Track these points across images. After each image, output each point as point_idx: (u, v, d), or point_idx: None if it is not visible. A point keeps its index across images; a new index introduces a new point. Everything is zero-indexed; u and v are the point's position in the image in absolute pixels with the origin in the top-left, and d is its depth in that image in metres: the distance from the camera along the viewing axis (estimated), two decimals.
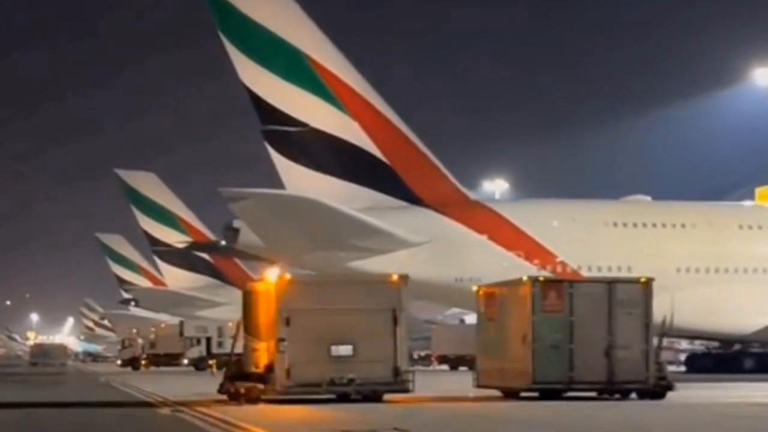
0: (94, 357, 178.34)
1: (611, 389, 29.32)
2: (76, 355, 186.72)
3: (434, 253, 49.78)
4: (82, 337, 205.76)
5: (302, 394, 26.67)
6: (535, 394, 29.07)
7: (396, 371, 27.30)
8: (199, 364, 79.12)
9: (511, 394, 29.84)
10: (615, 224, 51.77)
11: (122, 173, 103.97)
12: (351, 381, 26.79)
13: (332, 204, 45.93)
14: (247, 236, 49.61)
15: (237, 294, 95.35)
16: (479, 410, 25.99)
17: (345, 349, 26.62)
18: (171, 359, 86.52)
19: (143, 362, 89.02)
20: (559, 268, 50.00)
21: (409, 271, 54.17)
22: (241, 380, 26.61)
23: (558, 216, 51.90)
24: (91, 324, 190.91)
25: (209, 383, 43.09)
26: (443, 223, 50.50)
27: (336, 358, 26.68)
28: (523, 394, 29.40)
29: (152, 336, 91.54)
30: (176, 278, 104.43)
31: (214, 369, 56.41)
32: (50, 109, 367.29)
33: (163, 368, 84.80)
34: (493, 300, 30.82)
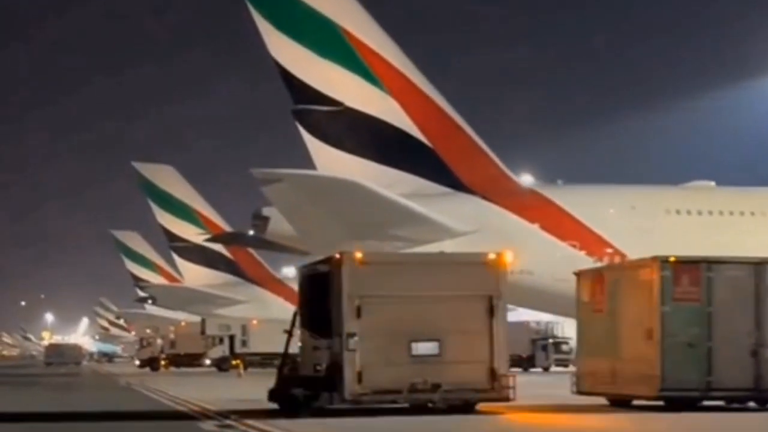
0: (110, 357, 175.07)
1: (759, 398, 23.99)
2: (91, 355, 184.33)
3: (481, 243, 45.40)
4: (96, 337, 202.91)
5: (376, 402, 21.41)
6: (654, 403, 23.44)
7: (492, 375, 22.07)
8: (221, 365, 75.51)
9: (621, 403, 24.50)
10: (678, 212, 47.50)
11: (139, 166, 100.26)
12: (436, 387, 21.43)
13: (376, 188, 41.73)
14: (278, 225, 45.57)
15: (257, 291, 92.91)
16: (610, 426, 20.95)
17: (429, 347, 21.36)
18: (192, 359, 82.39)
19: (162, 363, 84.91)
20: (617, 260, 45.79)
21: None
22: (297, 386, 21.43)
23: (616, 203, 47.69)
24: (106, 323, 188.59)
25: (241, 386, 39.50)
26: (491, 210, 46.33)
27: (418, 358, 21.38)
28: (637, 402, 24.11)
29: (172, 335, 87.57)
30: (194, 275, 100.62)
31: (242, 370, 52.59)
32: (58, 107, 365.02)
33: (183, 369, 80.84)
34: (601, 286, 25.34)
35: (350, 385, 20.97)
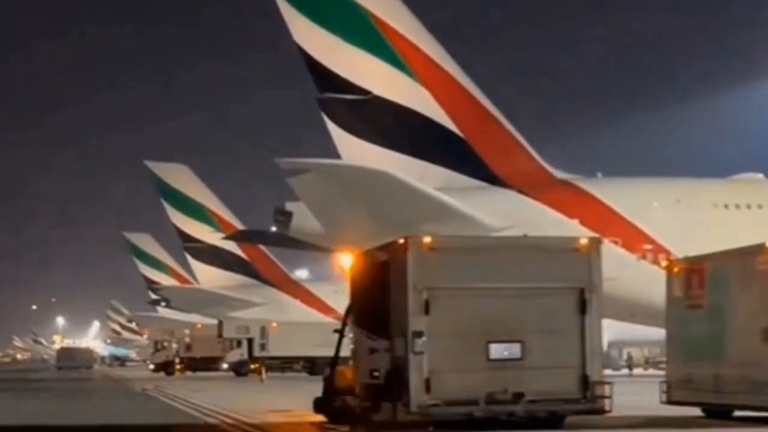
0: (122, 361, 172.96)
1: None
2: (103, 359, 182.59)
3: None
4: (108, 341, 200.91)
5: (447, 415, 17.94)
6: (750, 414, 20.25)
7: (584, 382, 18.51)
8: (240, 369, 72.62)
9: (720, 414, 21.14)
10: (726, 206, 44.73)
11: (152, 165, 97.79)
12: (518, 396, 18.03)
13: (409, 180, 39.01)
14: (302, 221, 43.00)
15: (273, 293, 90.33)
16: None
17: (509, 349, 17.94)
18: (208, 363, 79.82)
19: (177, 367, 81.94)
20: (661, 257, 43.04)
21: None
22: (350, 395, 18.33)
23: (660, 196, 44.96)
24: (117, 327, 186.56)
25: (268, 393, 37.03)
26: (528, 205, 43.62)
27: (496, 362, 17.98)
28: (739, 413, 20.83)
29: (187, 338, 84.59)
30: (208, 277, 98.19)
31: (264, 375, 49.98)
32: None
33: (199, 373, 78.22)
34: (700, 279, 21.93)
35: (417, 395, 17.44)
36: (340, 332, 19.47)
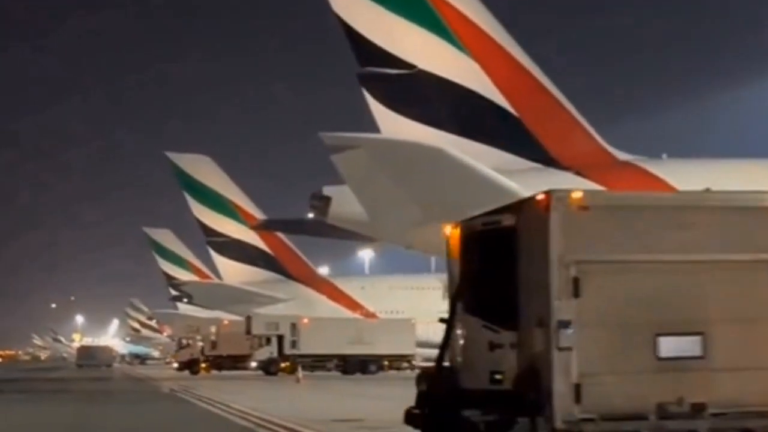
0: (142, 359, 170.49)
1: None
2: (123, 357, 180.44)
3: None
4: (127, 339, 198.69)
5: None
6: None
7: None
8: (269, 368, 68.68)
9: None
10: None
11: (173, 156, 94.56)
12: (700, 409, 13.00)
13: (469, 160, 35.17)
14: (341, 206, 39.48)
15: (300, 289, 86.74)
16: None
17: (686, 344, 12.92)
18: (235, 362, 75.89)
19: (203, 365, 77.90)
20: None
21: None
22: (462, 404, 13.05)
23: (733, 178, 41.09)
24: (136, 325, 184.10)
25: (311, 395, 33.58)
26: (588, 188, 39.77)
27: (668, 362, 13.00)
28: None
29: (213, 335, 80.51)
30: (232, 272, 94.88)
31: (300, 374, 46.29)
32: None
33: (225, 372, 74.62)
34: None
35: (563, 406, 12.55)
36: (449, 322, 14.09)
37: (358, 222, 39.96)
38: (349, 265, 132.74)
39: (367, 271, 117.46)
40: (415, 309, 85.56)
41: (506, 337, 13.18)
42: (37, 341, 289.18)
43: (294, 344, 69.62)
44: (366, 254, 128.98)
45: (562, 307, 12.95)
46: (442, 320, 14.10)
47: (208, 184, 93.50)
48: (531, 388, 12.91)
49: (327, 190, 39.94)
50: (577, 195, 13.72)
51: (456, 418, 13.06)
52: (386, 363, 70.74)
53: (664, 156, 44.24)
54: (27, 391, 40.31)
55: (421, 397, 13.53)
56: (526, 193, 37.21)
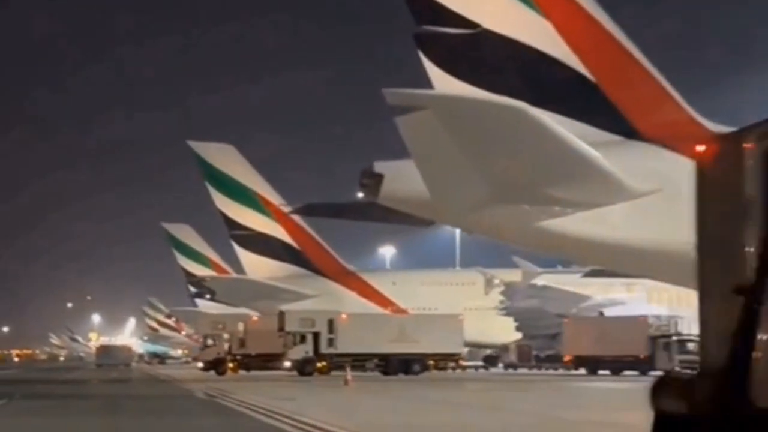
0: (162, 359, 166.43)
1: None
2: (141, 356, 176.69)
3: (664, 207, 34.03)
4: (145, 338, 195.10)
5: None
6: None
7: None
8: (304, 368, 63.62)
9: None
10: None
11: (195, 145, 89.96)
12: None
13: (553, 124, 29.99)
14: (395, 184, 34.61)
15: (328, 285, 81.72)
16: None
17: None
18: (265, 361, 70.64)
19: (230, 365, 72.35)
20: None
21: (625, 234, 36.78)
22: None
23: None
24: (154, 324, 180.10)
25: (371, 400, 28.88)
26: (677, 164, 34.67)
27: None
28: None
29: (241, 333, 74.83)
30: (256, 267, 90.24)
31: (349, 375, 41.19)
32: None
33: (254, 372, 69.58)
34: None
35: None
36: (755, 300, 7.99)
37: (415, 201, 34.94)
38: (369, 262, 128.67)
39: (388, 266, 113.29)
40: (450, 307, 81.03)
41: None
42: (54, 340, 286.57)
43: (331, 342, 64.45)
44: (387, 251, 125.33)
45: None
46: (747, 299, 7.93)
47: (232, 175, 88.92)
48: None
49: (379, 167, 34.95)
50: None
51: None
52: (431, 363, 65.50)
53: None
54: (43, 396, 35.55)
55: (670, 423, 8.00)
56: (612, 168, 32.46)
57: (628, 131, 35.51)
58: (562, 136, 30.00)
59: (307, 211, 46.08)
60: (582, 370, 71.88)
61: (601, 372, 69.69)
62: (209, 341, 76.92)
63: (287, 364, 65.65)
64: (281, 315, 67.05)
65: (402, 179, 35.08)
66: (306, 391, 36.04)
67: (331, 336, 64.51)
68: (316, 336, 65.37)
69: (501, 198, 32.83)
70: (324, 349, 64.61)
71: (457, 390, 35.37)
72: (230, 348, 74.46)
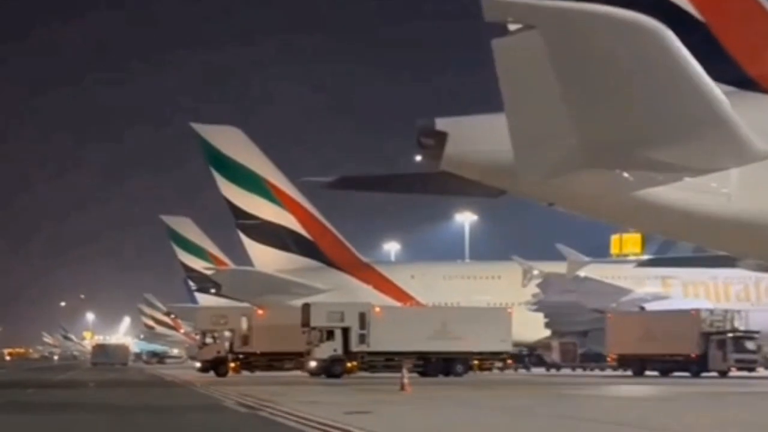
0: (161, 358, 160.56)
1: None
2: (138, 355, 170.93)
3: None
4: (141, 336, 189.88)
5: None
6: None
7: None
8: (333, 369, 56.39)
9: None
10: None
11: (199, 128, 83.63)
12: None
13: (696, 63, 23.17)
14: (464, 145, 28.56)
15: (342, 278, 74.56)
16: None
17: None
18: (272, 360, 64.02)
19: (232, 365, 64.89)
20: None
21: (742, 206, 30.02)
22: None
23: None
24: (151, 322, 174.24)
25: (461, 410, 22.88)
26: None
27: None
28: None
29: (244, 328, 66.35)
30: (265, 259, 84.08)
31: (406, 378, 33.67)
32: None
33: (260, 374, 62.73)
34: None
35: None
36: None
37: (488, 165, 28.56)
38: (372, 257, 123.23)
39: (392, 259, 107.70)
40: (474, 303, 75.14)
41: None
42: (48, 339, 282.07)
43: (363, 339, 57.12)
44: (392, 247, 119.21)
45: None
46: None
47: (239, 160, 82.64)
48: None
49: (442, 124, 28.63)
50: None
51: None
52: (475, 362, 58.47)
53: None
54: (30, 409, 28.79)
55: None
56: (737, 119, 25.83)
57: (742, 80, 29.41)
58: (701, 77, 23.39)
59: (341, 183, 38.78)
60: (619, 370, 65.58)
61: (648, 372, 63.42)
62: (208, 338, 68.41)
63: (312, 364, 57.82)
64: (306, 308, 59.18)
65: (471, 139, 28.70)
66: (363, 400, 29.29)
67: (363, 332, 57.20)
68: (345, 332, 57.86)
69: (596, 159, 26.34)
70: (355, 346, 57.31)
71: (552, 399, 29.20)
72: (232, 346, 66.70)
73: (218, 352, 66.36)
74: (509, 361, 60.37)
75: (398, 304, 79.81)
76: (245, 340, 66.15)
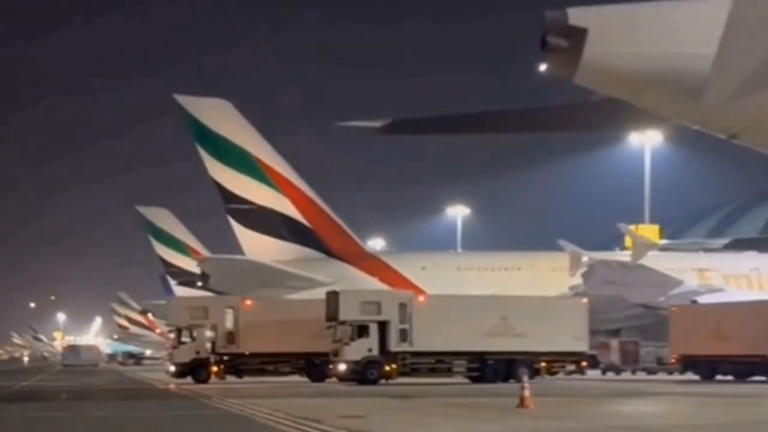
0: (138, 359, 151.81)
1: None
2: (112, 356, 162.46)
3: None
4: (115, 337, 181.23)
5: None
6: None
7: None
8: (367, 373, 45.98)
9: None
10: None
11: (184, 100, 74.26)
12: None
13: None
14: (617, 45, 18.94)
15: (343, 269, 60.74)
16: None
17: None
18: (265, 363, 53.26)
19: (214, 369, 53.21)
20: None
21: None
22: None
23: None
24: (124, 322, 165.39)
25: None
26: None
27: None
28: None
29: (229, 324, 54.08)
30: (258, 248, 75.03)
31: (527, 391, 23.68)
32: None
33: (249, 379, 52.38)
34: None
35: None
36: None
37: (651, 75, 19.55)
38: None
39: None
40: None
41: None
42: (17, 340, 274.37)
43: (404, 336, 46.55)
44: (376, 243, 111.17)
45: None
46: None
47: (228, 136, 73.43)
48: None
49: (577, 17, 19.40)
50: None
51: None
52: (542, 365, 48.08)
53: None
54: None
55: None
56: None
57: None
58: None
59: (398, 127, 28.80)
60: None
61: (719, 377, 53.49)
62: (184, 337, 55.13)
63: (342, 366, 47.00)
64: (333, 297, 47.97)
65: (627, 38, 19.79)
66: (464, 426, 19.68)
67: (404, 326, 46.59)
68: (382, 327, 47.22)
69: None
70: (394, 345, 46.76)
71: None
72: (214, 345, 54.42)
73: (197, 353, 54.00)
74: (584, 363, 48.89)
75: None
76: (231, 338, 54.22)
